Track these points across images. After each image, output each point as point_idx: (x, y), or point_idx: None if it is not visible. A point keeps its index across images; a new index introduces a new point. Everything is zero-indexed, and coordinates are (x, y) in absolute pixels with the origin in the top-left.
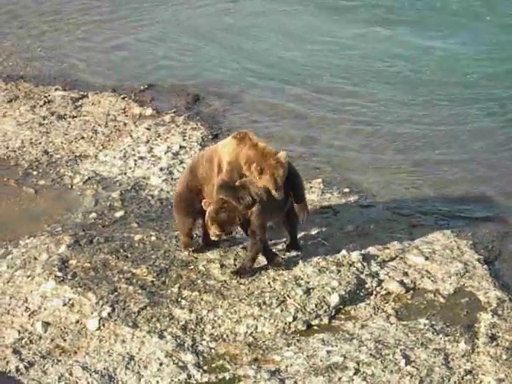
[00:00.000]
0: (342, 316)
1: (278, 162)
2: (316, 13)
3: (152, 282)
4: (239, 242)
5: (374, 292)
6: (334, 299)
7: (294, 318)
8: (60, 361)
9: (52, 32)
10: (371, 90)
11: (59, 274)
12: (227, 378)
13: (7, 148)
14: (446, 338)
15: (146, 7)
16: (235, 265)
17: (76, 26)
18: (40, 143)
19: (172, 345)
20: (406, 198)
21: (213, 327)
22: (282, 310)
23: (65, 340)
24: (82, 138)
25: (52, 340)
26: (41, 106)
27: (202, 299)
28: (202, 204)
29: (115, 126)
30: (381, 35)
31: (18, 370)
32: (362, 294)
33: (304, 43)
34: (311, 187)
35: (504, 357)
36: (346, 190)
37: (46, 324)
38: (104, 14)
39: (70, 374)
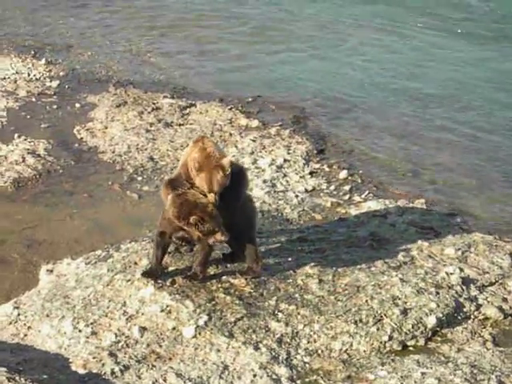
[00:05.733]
0: (439, 338)
1: (219, 165)
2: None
3: (250, 293)
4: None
5: (472, 316)
6: (431, 321)
7: (390, 338)
8: (155, 366)
9: (163, 39)
10: (487, 114)
11: (158, 280)
12: None
13: (113, 152)
14: None
15: (259, 21)
16: (333, 280)
17: (189, 34)
18: (146, 149)
19: (267, 357)
20: (510, 224)
21: (308, 342)
22: (378, 329)
23: (160, 346)
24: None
25: (148, 345)
26: (148, 113)
27: (298, 313)
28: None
29: (221, 135)
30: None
31: (113, 372)
32: (459, 317)
33: (416, 61)
34: (413, 207)
35: None
36: (449, 211)
37: (143, 329)
38: (217, 26)
39: (164, 380)
